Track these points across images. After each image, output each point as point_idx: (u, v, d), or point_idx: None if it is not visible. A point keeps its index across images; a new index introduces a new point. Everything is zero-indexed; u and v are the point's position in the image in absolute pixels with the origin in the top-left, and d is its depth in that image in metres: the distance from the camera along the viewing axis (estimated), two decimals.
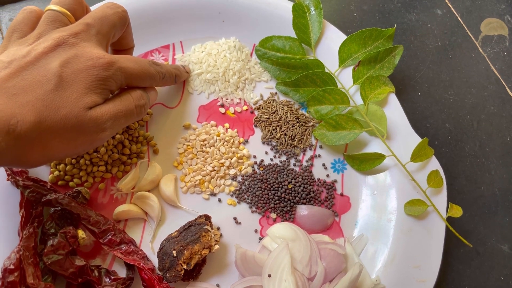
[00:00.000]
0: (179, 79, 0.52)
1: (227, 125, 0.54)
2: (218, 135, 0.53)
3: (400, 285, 0.47)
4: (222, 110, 0.55)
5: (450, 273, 0.52)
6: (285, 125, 0.54)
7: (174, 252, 0.44)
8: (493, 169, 0.57)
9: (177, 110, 0.54)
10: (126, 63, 0.40)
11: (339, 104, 0.53)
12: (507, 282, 0.52)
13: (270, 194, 0.51)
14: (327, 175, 0.53)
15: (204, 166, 0.51)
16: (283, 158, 0.53)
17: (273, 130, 0.54)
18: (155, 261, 0.46)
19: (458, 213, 0.49)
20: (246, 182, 0.51)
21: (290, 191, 0.51)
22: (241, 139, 0.54)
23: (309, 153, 0.54)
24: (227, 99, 0.55)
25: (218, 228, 0.49)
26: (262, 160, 0.53)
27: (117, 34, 0.44)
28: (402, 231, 0.49)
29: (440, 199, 0.50)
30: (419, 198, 0.49)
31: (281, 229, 0.47)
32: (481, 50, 0.65)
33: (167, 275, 0.44)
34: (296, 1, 0.56)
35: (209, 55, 0.56)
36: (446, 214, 0.49)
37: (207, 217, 0.47)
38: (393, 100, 0.53)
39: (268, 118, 0.55)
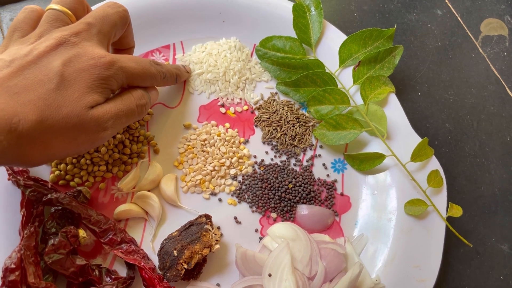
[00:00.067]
0: (179, 79, 0.52)
1: (227, 125, 0.54)
2: (219, 135, 0.53)
3: (400, 284, 0.47)
4: (223, 110, 0.55)
5: (450, 272, 0.52)
6: (285, 125, 0.54)
7: (175, 251, 0.44)
8: (493, 169, 0.57)
9: (178, 110, 0.54)
10: (128, 62, 0.40)
11: (339, 104, 0.53)
12: (507, 282, 0.52)
13: (270, 193, 0.51)
14: (327, 175, 0.53)
15: (205, 165, 0.52)
16: (284, 158, 0.53)
17: (274, 130, 0.54)
18: (155, 260, 0.46)
19: (458, 213, 0.49)
20: (247, 182, 0.51)
21: (291, 191, 0.51)
22: (242, 139, 0.54)
23: (309, 153, 0.54)
24: (227, 99, 0.55)
25: (218, 228, 0.49)
26: (262, 160, 0.53)
27: (118, 34, 0.44)
28: (402, 230, 0.49)
29: (440, 199, 0.50)
30: (419, 198, 0.49)
31: (281, 229, 0.47)
32: (481, 50, 0.65)
33: (168, 274, 0.44)
34: (296, 1, 0.56)
35: (210, 55, 0.56)
36: (446, 214, 0.49)
37: (208, 217, 0.47)
38: (393, 100, 0.54)
39: (268, 118, 0.55)
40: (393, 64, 0.54)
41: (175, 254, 0.44)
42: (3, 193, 0.47)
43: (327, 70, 0.55)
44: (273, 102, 0.56)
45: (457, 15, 0.67)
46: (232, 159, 0.52)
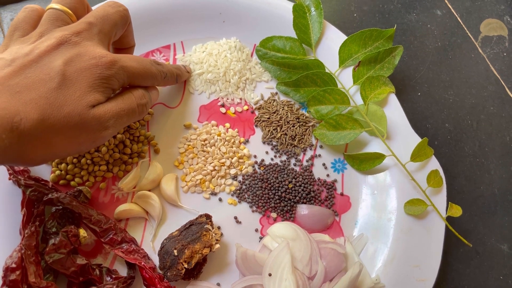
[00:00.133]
0: (180, 79, 0.52)
1: (227, 125, 0.54)
2: (219, 135, 0.53)
3: (400, 284, 0.47)
4: (223, 110, 0.55)
5: (449, 272, 0.52)
6: (285, 125, 0.54)
7: (175, 251, 0.44)
8: (493, 169, 0.57)
9: (178, 110, 0.55)
10: (129, 62, 0.40)
11: (339, 104, 0.53)
12: (506, 281, 0.52)
13: (270, 193, 0.51)
14: (327, 175, 0.53)
15: (205, 165, 0.52)
16: (284, 157, 0.53)
17: (274, 130, 0.54)
18: (156, 260, 0.46)
19: (457, 212, 0.49)
20: (247, 182, 0.52)
21: (291, 191, 0.51)
22: (242, 139, 0.54)
23: (309, 153, 0.54)
24: (227, 99, 0.56)
25: (218, 227, 0.49)
26: (262, 160, 0.53)
27: (119, 33, 0.44)
28: (402, 230, 0.49)
29: (440, 199, 0.50)
30: (419, 197, 0.49)
31: (281, 229, 0.47)
32: (480, 51, 0.65)
33: (168, 274, 0.44)
34: (296, 2, 0.56)
35: (210, 55, 0.56)
36: (446, 213, 0.49)
37: (208, 217, 0.47)
38: (393, 100, 0.54)
39: (268, 118, 0.55)
40: (393, 64, 0.54)
41: (176, 254, 0.44)
42: (4, 193, 0.47)
43: (327, 70, 0.55)
44: (273, 102, 0.56)
45: (456, 15, 0.67)
46: (232, 159, 0.52)
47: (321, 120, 0.54)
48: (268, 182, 0.51)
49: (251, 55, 0.58)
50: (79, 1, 0.42)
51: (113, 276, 0.45)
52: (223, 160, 0.52)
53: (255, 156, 0.53)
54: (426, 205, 0.49)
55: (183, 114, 0.54)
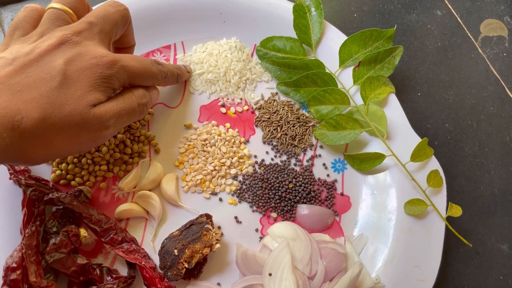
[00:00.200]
0: (180, 79, 0.52)
1: (228, 125, 0.54)
2: (219, 135, 0.53)
3: (400, 284, 0.47)
4: (223, 110, 0.55)
5: (449, 272, 0.52)
6: (285, 125, 0.54)
7: (176, 250, 0.44)
8: (493, 169, 0.57)
9: (179, 110, 0.55)
10: (129, 62, 0.41)
11: (339, 104, 0.53)
12: (506, 281, 0.52)
13: (270, 193, 0.51)
14: (328, 175, 0.53)
15: (205, 165, 0.52)
16: (284, 157, 0.54)
17: (274, 130, 0.54)
18: (156, 259, 0.46)
19: (457, 212, 0.49)
20: (247, 182, 0.52)
21: (291, 191, 0.51)
22: (242, 139, 0.54)
23: (309, 153, 0.54)
24: (228, 99, 0.56)
25: (219, 227, 0.49)
26: (262, 160, 0.53)
27: (119, 33, 0.44)
28: (402, 230, 0.49)
29: (440, 199, 0.50)
30: (419, 197, 0.49)
31: (281, 228, 0.47)
32: (480, 51, 0.65)
33: (169, 273, 0.44)
34: (296, 2, 0.56)
35: (210, 55, 0.56)
36: (446, 213, 0.49)
37: (208, 216, 0.47)
38: (393, 100, 0.54)
39: (268, 118, 0.55)
40: (393, 65, 0.54)
41: (176, 254, 0.44)
42: (5, 193, 0.47)
43: (327, 71, 0.55)
44: (274, 102, 0.56)
45: (456, 15, 0.67)
46: (232, 159, 0.52)
47: (321, 120, 0.54)
48: (269, 182, 0.51)
49: (252, 55, 0.58)
50: (79, 0, 0.42)
51: (114, 275, 0.45)
52: (223, 160, 0.52)
53: (255, 156, 0.53)
54: (426, 205, 0.49)
55: (184, 114, 0.54)
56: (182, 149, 0.52)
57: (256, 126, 0.55)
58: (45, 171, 0.49)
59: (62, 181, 0.48)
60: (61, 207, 0.45)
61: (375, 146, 0.53)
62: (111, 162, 0.50)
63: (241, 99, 0.56)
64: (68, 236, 0.43)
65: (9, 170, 0.47)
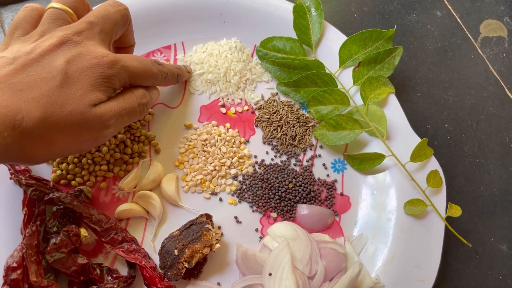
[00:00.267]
0: (181, 79, 0.52)
1: (228, 125, 0.55)
2: (219, 135, 0.53)
3: (400, 284, 0.47)
4: (223, 110, 0.55)
5: (449, 272, 0.52)
6: (285, 125, 0.55)
7: (176, 250, 0.44)
8: (492, 169, 0.57)
9: (179, 110, 0.55)
10: (130, 62, 0.41)
11: (339, 104, 0.53)
12: (505, 281, 0.52)
13: (270, 193, 0.51)
14: (327, 175, 0.53)
15: (205, 165, 0.52)
16: (284, 158, 0.54)
17: (274, 130, 0.55)
18: (156, 259, 0.47)
19: (457, 212, 0.49)
20: (247, 182, 0.52)
21: (291, 191, 0.51)
22: (242, 139, 0.54)
23: (309, 153, 0.54)
24: (228, 99, 0.56)
25: (219, 227, 0.50)
26: (262, 160, 0.53)
27: (119, 32, 0.44)
28: (402, 230, 0.49)
29: (440, 199, 0.50)
30: (418, 197, 0.50)
31: (281, 228, 0.47)
32: (480, 52, 0.65)
33: (169, 273, 0.44)
34: (296, 2, 0.56)
35: (211, 55, 0.56)
36: (445, 213, 0.49)
37: (208, 216, 0.47)
38: (393, 100, 0.54)
39: (268, 118, 0.55)
40: (393, 65, 0.54)
41: (176, 253, 0.44)
42: (5, 192, 0.47)
43: (327, 71, 0.55)
44: (274, 102, 0.56)
45: (456, 16, 0.67)
46: (232, 159, 0.52)
47: (321, 120, 0.54)
48: (268, 182, 0.51)
49: (252, 56, 0.58)
50: (79, 0, 0.42)
51: (114, 275, 0.45)
52: (223, 160, 0.52)
53: (255, 156, 0.54)
54: (426, 205, 0.49)
55: (184, 114, 0.55)
56: (182, 149, 0.52)
57: (256, 126, 0.55)
58: (46, 171, 0.49)
59: (62, 181, 0.49)
60: (62, 207, 0.45)
61: (375, 146, 0.53)
62: (111, 162, 0.50)
63: (241, 99, 0.56)
64: (68, 236, 0.43)
65: (9, 170, 0.47)
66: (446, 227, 0.49)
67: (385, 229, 0.50)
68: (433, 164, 0.51)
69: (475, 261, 0.53)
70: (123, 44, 0.48)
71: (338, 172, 0.54)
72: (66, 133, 0.36)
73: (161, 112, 0.54)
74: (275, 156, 0.54)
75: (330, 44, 0.57)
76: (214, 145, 0.53)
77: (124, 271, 0.46)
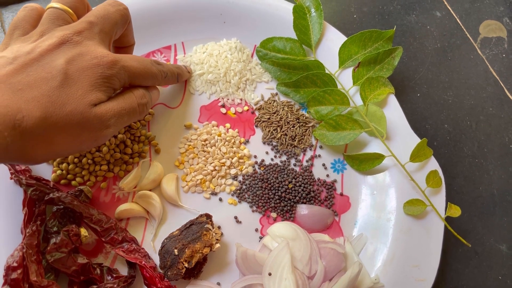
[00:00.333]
0: (181, 78, 0.52)
1: (228, 125, 0.55)
2: (219, 135, 0.53)
3: (399, 284, 0.47)
4: (223, 110, 0.55)
5: (448, 272, 0.52)
6: (285, 125, 0.55)
7: (176, 250, 0.44)
8: (492, 169, 0.58)
9: (179, 110, 0.55)
10: (130, 62, 0.41)
11: (339, 104, 0.53)
12: (505, 281, 0.52)
13: (270, 193, 0.51)
14: (327, 175, 0.53)
15: (205, 165, 0.52)
16: (284, 158, 0.54)
17: (274, 130, 0.55)
18: (156, 259, 0.47)
19: (456, 213, 0.49)
20: (247, 182, 0.52)
21: (291, 191, 0.51)
22: (242, 139, 0.54)
23: (309, 153, 0.54)
24: (228, 99, 0.56)
25: (219, 227, 0.50)
26: (262, 160, 0.53)
27: (119, 32, 0.44)
28: (401, 230, 0.50)
29: (439, 199, 0.50)
30: (418, 198, 0.50)
31: (281, 228, 0.47)
32: (479, 52, 0.65)
33: (169, 273, 0.44)
34: (296, 3, 0.56)
35: (211, 56, 0.56)
36: (445, 214, 0.49)
37: (208, 216, 0.47)
38: (393, 101, 0.54)
39: (268, 119, 0.55)
40: (393, 65, 0.54)
41: (176, 253, 0.44)
42: (6, 192, 0.47)
43: (327, 71, 0.55)
44: (273, 102, 0.56)
45: (456, 17, 0.67)
46: (232, 159, 0.52)
47: (321, 120, 0.54)
48: (268, 182, 0.51)
49: (252, 56, 0.58)
50: (79, 0, 0.42)
51: (114, 275, 0.45)
52: (223, 160, 0.52)
53: (255, 156, 0.54)
54: (425, 205, 0.49)
55: (184, 114, 0.55)
56: (182, 149, 0.53)
57: (256, 126, 0.55)
58: (46, 171, 0.49)
59: (62, 181, 0.49)
60: (62, 206, 0.45)
61: (374, 146, 0.53)
62: (111, 162, 0.50)
63: (241, 99, 0.56)
64: (68, 235, 0.43)
65: (10, 170, 0.47)
66: (445, 227, 0.49)
67: (385, 229, 0.50)
68: (433, 164, 0.51)
69: (474, 261, 0.53)
70: (123, 44, 0.48)
71: (338, 172, 0.54)
72: (66, 133, 0.36)
73: (161, 112, 0.54)
74: (275, 156, 0.54)
75: (330, 45, 0.57)
76: (214, 145, 0.53)
77: (124, 271, 0.46)
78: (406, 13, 0.67)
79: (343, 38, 0.56)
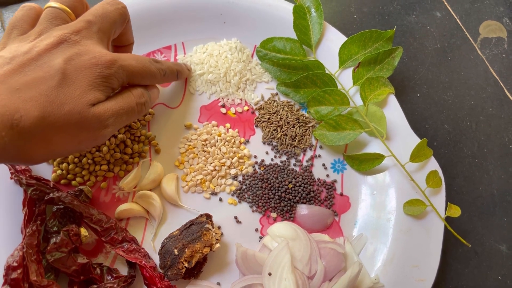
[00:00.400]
0: (181, 76, 0.52)
1: (228, 125, 0.55)
2: (219, 135, 0.53)
3: (399, 284, 0.47)
4: (223, 110, 0.55)
5: (448, 272, 0.52)
6: (285, 125, 0.55)
7: (176, 250, 0.44)
8: (491, 170, 0.58)
9: (179, 110, 0.55)
10: (128, 61, 0.41)
11: (339, 104, 0.53)
12: (505, 281, 0.52)
13: (270, 193, 0.51)
14: (327, 175, 0.53)
15: (205, 165, 0.52)
16: (284, 158, 0.54)
17: (274, 130, 0.55)
18: (156, 259, 0.47)
19: (456, 213, 0.49)
20: (247, 182, 0.52)
21: (290, 191, 0.51)
22: (242, 139, 0.54)
23: (309, 153, 0.54)
24: (228, 99, 0.56)
25: (219, 227, 0.50)
26: (262, 160, 0.53)
27: (118, 31, 0.44)
28: (401, 230, 0.50)
29: (439, 199, 0.50)
30: (418, 198, 0.50)
31: (281, 228, 0.47)
32: (479, 52, 0.65)
33: (169, 273, 0.44)
34: (296, 3, 0.57)
35: (211, 56, 0.56)
36: (445, 214, 0.49)
37: (208, 216, 0.47)
38: (393, 101, 0.54)
39: (268, 119, 0.55)
40: (393, 66, 0.54)
41: (176, 253, 0.44)
42: (6, 192, 0.47)
43: (327, 71, 0.55)
44: (274, 102, 0.56)
45: (456, 17, 0.67)
46: (232, 159, 0.52)
47: (321, 120, 0.54)
48: (268, 182, 0.51)
49: (252, 56, 0.58)
50: None
51: (114, 275, 0.45)
52: (223, 160, 0.52)
53: (255, 156, 0.54)
54: (425, 206, 0.49)
55: (184, 114, 0.55)
56: (182, 149, 0.53)
57: (256, 126, 0.55)
58: (46, 171, 0.49)
59: (62, 181, 0.49)
60: (62, 206, 0.45)
61: (374, 146, 0.53)
62: (111, 162, 0.50)
63: (241, 99, 0.56)
64: (68, 235, 0.43)
65: (10, 169, 0.47)
66: (445, 227, 0.49)
67: (385, 229, 0.50)
68: (433, 164, 0.51)
69: (474, 261, 0.53)
70: (121, 43, 0.48)
71: (338, 172, 0.54)
72: (64, 133, 0.35)
73: (161, 112, 0.54)
74: (275, 156, 0.54)
75: (330, 45, 0.57)
76: (214, 145, 0.53)
77: (124, 270, 0.46)
78: (406, 13, 0.67)
79: (343, 38, 0.56)
